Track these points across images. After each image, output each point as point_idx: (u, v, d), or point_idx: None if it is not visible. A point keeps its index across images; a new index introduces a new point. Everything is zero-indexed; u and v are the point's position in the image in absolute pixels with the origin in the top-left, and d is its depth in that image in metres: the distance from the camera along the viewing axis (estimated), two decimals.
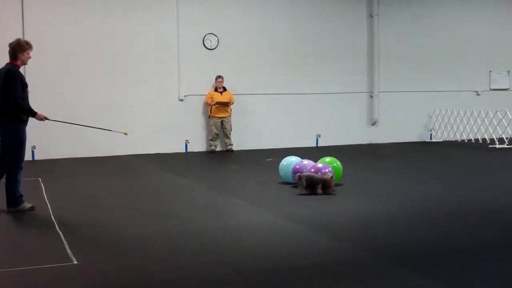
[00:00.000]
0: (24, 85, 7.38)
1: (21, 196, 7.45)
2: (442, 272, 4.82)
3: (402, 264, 5.09)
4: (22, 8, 13.12)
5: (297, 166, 9.13)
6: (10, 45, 7.42)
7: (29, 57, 7.50)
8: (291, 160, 9.42)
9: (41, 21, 13.27)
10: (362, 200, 8.17)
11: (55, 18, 13.44)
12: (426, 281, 4.63)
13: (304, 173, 8.56)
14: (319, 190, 8.35)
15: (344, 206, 7.80)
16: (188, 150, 14.70)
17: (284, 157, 9.66)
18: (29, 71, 12.59)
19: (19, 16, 13.07)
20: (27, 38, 12.47)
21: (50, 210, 7.49)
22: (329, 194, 8.39)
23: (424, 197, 8.29)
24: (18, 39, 7.57)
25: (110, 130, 9.59)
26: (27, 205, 7.44)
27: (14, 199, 7.38)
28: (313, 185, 8.39)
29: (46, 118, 7.57)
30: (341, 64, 16.02)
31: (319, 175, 8.51)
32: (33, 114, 7.44)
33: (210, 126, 14.69)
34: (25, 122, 7.46)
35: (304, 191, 8.39)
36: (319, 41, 15.83)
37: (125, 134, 9.32)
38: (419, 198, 8.20)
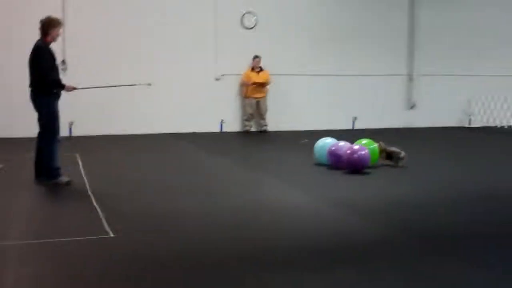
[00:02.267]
0: (53, 60, 7.52)
1: (58, 169, 7.54)
2: (474, 256, 4.73)
3: (433, 247, 5.00)
4: None
5: (333, 148, 9.02)
6: (41, 21, 7.53)
7: (59, 34, 7.61)
8: (327, 142, 9.30)
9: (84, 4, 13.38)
10: (397, 183, 8.06)
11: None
12: (457, 263, 4.54)
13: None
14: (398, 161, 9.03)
15: (378, 188, 7.69)
16: (223, 130, 14.69)
17: (320, 139, 9.55)
18: (69, 45, 12.75)
19: None
20: (67, 13, 12.84)
21: (87, 185, 7.55)
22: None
23: (462, 182, 8.13)
24: (49, 16, 7.62)
25: (135, 85, 9.75)
26: (64, 179, 7.52)
27: (51, 171, 7.48)
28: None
29: (74, 88, 7.66)
30: (380, 45, 15.75)
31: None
32: (62, 86, 7.53)
33: (246, 106, 14.65)
34: (55, 96, 7.55)
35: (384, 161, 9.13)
36: (359, 22, 15.58)
37: (149, 85, 9.45)
38: (456, 183, 8.03)
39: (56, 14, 8.03)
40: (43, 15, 7.68)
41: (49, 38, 7.49)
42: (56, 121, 7.52)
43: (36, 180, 7.58)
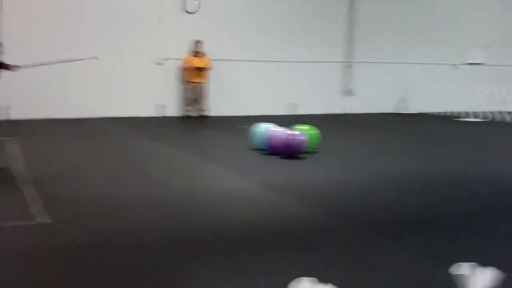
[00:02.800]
0: None
1: None
2: (413, 238, 4.97)
3: (373, 231, 5.19)
4: None
5: (271, 133, 9.19)
6: None
7: None
8: (264, 127, 9.40)
9: None
10: (336, 169, 8.31)
11: None
12: (395, 245, 4.77)
13: None
14: None
15: (317, 173, 7.92)
16: (164, 115, 14.68)
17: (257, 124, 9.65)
18: (6, 24, 12.49)
19: None
20: None
21: (25, 170, 7.47)
22: None
23: (397, 167, 8.45)
24: None
25: (82, 59, 9.53)
26: None
27: None
28: None
29: (19, 67, 7.48)
30: (321, 33, 16.05)
31: None
32: (5, 66, 7.34)
33: (186, 91, 14.68)
34: None
35: None
36: (299, 9, 15.82)
37: (96, 58, 9.27)
38: (392, 169, 8.34)
39: None
40: None
41: None
42: None
43: None
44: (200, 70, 14.55)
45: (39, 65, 8.82)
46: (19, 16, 13.01)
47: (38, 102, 13.24)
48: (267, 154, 9.01)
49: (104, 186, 6.87)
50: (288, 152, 8.75)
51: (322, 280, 3.39)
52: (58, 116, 13.33)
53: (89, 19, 13.78)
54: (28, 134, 10.95)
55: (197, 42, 14.55)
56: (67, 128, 12.16)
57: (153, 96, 14.50)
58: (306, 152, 8.93)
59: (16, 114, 13.00)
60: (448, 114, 16.53)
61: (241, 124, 12.77)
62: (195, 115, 14.87)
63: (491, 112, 16.23)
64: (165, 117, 14.57)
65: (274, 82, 15.65)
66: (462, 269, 3.48)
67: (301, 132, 8.99)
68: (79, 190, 6.59)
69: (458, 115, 16.45)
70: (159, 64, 14.55)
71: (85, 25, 13.74)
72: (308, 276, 3.41)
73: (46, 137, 10.94)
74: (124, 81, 14.14)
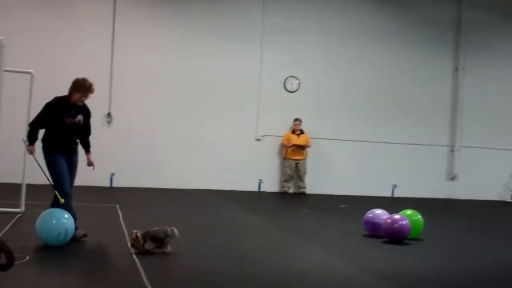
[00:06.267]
0: (57, 118, 7.35)
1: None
2: None
3: None
4: (113, 37, 13.64)
5: (370, 215, 8.92)
6: (74, 80, 7.49)
7: (80, 100, 7.45)
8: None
9: (130, 54, 13.75)
10: (439, 256, 7.88)
11: (143, 52, 13.89)
12: None
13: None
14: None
15: (420, 260, 7.55)
16: (261, 190, 14.72)
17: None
18: (114, 98, 13.14)
19: (109, 46, 13.59)
20: (115, 66, 13.25)
21: (127, 238, 7.58)
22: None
23: (502, 260, 7.92)
24: (81, 78, 7.47)
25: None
26: (80, 232, 7.34)
27: None
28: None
29: (31, 153, 7.46)
30: (422, 116, 15.77)
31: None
32: (31, 142, 7.42)
33: (285, 167, 14.71)
34: (55, 149, 7.38)
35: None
36: (401, 91, 15.68)
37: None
38: (504, 260, 7.82)
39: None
40: (90, 74, 7.81)
41: (72, 99, 7.43)
42: (55, 175, 7.31)
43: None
44: (299, 147, 14.57)
45: (38, 165, 7.55)
46: (126, 90, 13.64)
47: (140, 172, 13.63)
48: (367, 236, 8.71)
49: (202, 258, 6.83)
50: (390, 236, 8.42)
51: None
52: (156, 185, 13.62)
53: (193, 95, 14.22)
54: (130, 202, 11.22)
55: (296, 120, 14.66)
56: (167, 198, 12.39)
57: (252, 171, 14.61)
58: (409, 238, 8.57)
59: (119, 182, 13.43)
60: None
61: (339, 203, 12.57)
62: (293, 191, 14.80)
63: None
64: (263, 192, 14.58)
65: (374, 162, 15.40)
66: None
67: (404, 217, 8.65)
68: (178, 262, 6.59)
69: None
70: (258, 140, 14.72)
71: (188, 101, 14.18)
72: None
73: (147, 205, 11.17)
74: (224, 156, 14.36)
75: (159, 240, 6.73)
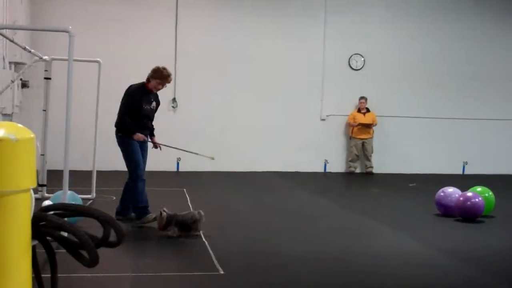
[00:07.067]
0: (138, 106, 7.51)
1: (144, 207, 7.54)
2: None
3: None
4: (176, 22, 13.76)
5: (441, 193, 8.69)
6: (154, 67, 7.63)
7: (157, 88, 7.61)
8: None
9: (193, 38, 13.81)
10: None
11: (207, 35, 13.94)
12: None
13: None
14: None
15: (494, 239, 7.31)
16: (327, 170, 14.60)
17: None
18: (179, 83, 13.26)
19: (172, 31, 13.72)
20: (179, 51, 13.38)
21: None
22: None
23: None
24: (161, 67, 7.60)
25: (197, 154, 9.22)
26: (151, 216, 7.42)
27: (136, 210, 7.59)
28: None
29: (144, 140, 7.62)
30: (494, 89, 15.20)
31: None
32: (132, 133, 7.53)
33: (351, 147, 14.52)
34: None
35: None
36: (471, 64, 15.11)
37: (212, 158, 9.19)
38: None
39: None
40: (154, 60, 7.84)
41: (149, 85, 7.58)
42: (131, 162, 7.50)
43: (116, 217, 7.47)
44: (365, 126, 14.35)
45: (164, 145, 8.03)
46: (190, 75, 13.76)
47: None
48: (440, 215, 8.51)
49: (271, 240, 6.85)
50: (463, 214, 8.19)
51: None
52: (223, 169, 13.68)
53: (258, 76, 14.20)
54: (197, 186, 11.34)
55: (362, 98, 14.42)
56: (233, 181, 12.47)
57: (318, 151, 14.50)
58: (482, 216, 8.31)
59: (185, 166, 13.59)
60: None
61: (407, 182, 12.32)
62: (359, 171, 14.62)
63: None
64: (328, 173, 14.47)
65: (442, 139, 14.98)
66: None
67: (477, 194, 8.39)
68: (248, 243, 6.66)
69: None
70: (323, 120, 14.58)
71: (252, 82, 14.17)
72: None
73: (213, 188, 11.27)
74: (290, 137, 14.29)
75: (187, 227, 6.67)
